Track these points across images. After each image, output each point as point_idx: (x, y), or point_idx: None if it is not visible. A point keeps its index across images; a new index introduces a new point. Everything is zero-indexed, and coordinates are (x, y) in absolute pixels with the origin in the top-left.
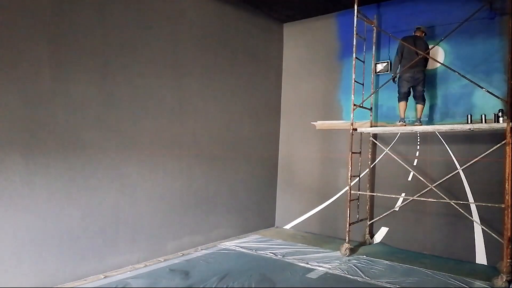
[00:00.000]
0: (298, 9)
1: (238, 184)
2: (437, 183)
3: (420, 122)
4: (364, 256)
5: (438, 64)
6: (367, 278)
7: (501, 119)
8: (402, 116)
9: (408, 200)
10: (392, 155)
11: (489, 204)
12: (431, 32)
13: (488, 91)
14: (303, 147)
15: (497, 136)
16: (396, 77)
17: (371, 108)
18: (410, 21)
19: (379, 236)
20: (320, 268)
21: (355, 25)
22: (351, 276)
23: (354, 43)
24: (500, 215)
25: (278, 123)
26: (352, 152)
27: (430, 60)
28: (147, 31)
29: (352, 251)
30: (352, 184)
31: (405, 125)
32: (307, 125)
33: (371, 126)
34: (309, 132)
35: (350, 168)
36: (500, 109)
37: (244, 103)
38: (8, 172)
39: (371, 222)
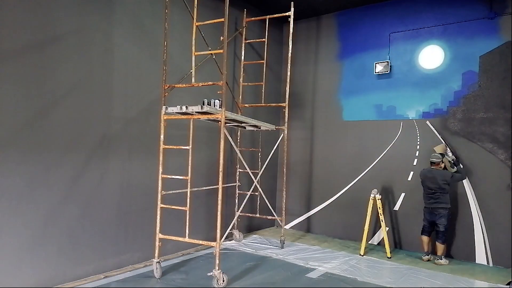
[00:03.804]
0: (298, 9)
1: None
2: None
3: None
4: (364, 256)
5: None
6: (367, 278)
7: None
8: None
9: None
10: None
11: None
12: (429, 32)
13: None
14: (303, 147)
15: None
16: None
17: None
18: (409, 22)
19: (379, 236)
20: (320, 268)
21: None
22: (351, 276)
23: None
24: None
25: (278, 123)
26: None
27: (432, 61)
28: (135, 34)
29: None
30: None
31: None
32: (307, 125)
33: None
34: (308, 132)
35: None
36: None
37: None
38: (8, 172)
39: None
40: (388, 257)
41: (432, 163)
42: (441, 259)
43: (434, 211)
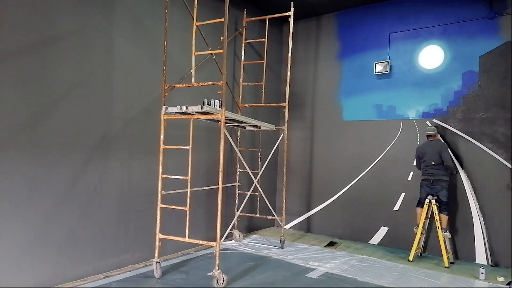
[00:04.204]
0: (298, 9)
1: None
2: None
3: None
4: (364, 256)
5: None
6: (367, 278)
7: None
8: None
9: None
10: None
11: None
12: (429, 32)
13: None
14: (303, 147)
15: None
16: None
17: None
18: (409, 22)
19: (378, 236)
20: (320, 268)
21: None
22: (351, 276)
23: None
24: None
25: (278, 123)
26: None
27: (432, 61)
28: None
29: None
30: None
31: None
32: (307, 125)
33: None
34: (308, 132)
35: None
36: None
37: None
38: (8, 172)
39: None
40: (446, 266)
41: (428, 136)
42: (447, 232)
43: (435, 184)
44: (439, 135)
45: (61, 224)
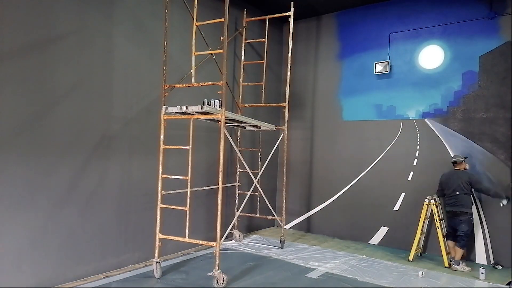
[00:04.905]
0: (298, 9)
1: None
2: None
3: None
4: (364, 256)
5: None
6: (367, 278)
7: None
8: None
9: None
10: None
11: None
12: (429, 32)
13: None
14: (303, 147)
15: None
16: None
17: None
18: (409, 22)
19: (378, 236)
20: (320, 268)
21: None
22: (351, 276)
23: None
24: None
25: (278, 123)
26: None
27: (432, 61)
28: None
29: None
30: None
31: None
32: (307, 125)
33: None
34: (308, 132)
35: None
36: None
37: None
38: (9, 172)
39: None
40: (446, 267)
41: (454, 163)
42: (459, 265)
43: (455, 216)
44: (466, 164)
45: (61, 224)
